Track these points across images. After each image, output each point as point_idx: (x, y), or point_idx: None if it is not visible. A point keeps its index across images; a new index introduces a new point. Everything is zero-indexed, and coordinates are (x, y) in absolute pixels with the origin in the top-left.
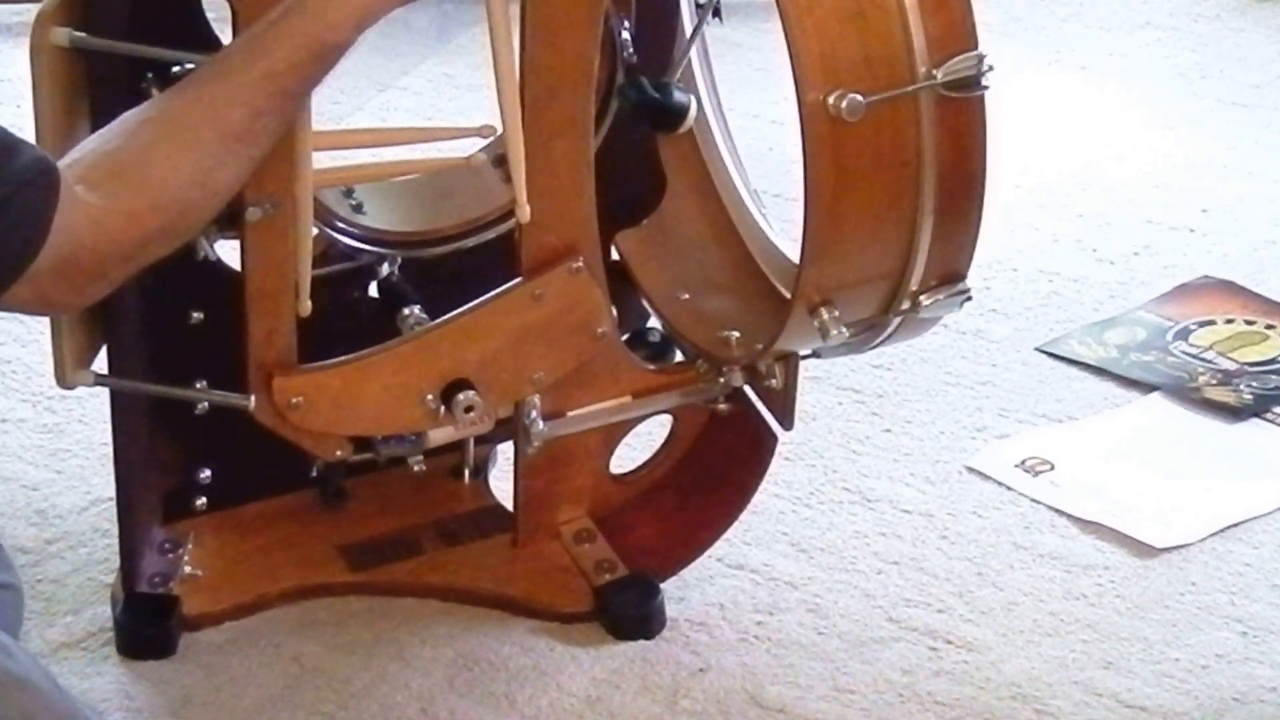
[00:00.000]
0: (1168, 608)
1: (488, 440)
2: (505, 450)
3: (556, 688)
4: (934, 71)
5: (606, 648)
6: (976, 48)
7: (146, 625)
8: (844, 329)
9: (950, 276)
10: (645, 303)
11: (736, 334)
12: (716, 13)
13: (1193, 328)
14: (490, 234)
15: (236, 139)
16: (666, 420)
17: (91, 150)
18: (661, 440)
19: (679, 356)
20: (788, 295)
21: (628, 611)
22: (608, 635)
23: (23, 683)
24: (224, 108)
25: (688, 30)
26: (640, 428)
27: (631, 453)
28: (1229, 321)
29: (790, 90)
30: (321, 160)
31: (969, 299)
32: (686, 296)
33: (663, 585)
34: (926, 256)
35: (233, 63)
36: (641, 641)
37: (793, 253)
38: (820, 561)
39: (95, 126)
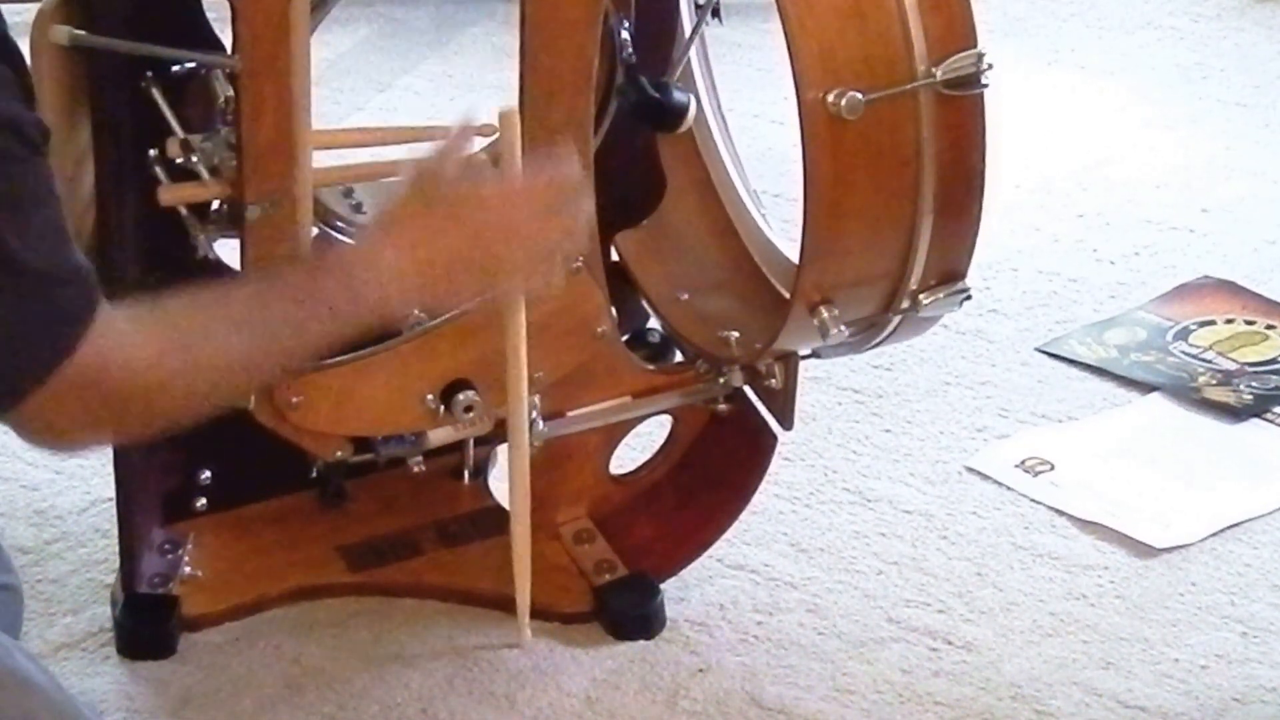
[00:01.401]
0: (1168, 608)
1: (487, 441)
2: (505, 451)
3: (556, 688)
4: (933, 70)
5: (606, 648)
6: (976, 46)
7: (146, 625)
8: (843, 328)
9: (950, 275)
10: (645, 303)
11: (736, 334)
12: (716, 13)
13: (1193, 328)
14: None
15: (269, 349)
16: (666, 421)
17: (144, 306)
18: (661, 441)
19: (679, 357)
20: (787, 295)
21: (628, 611)
22: (608, 635)
23: (24, 682)
24: (270, 323)
25: (687, 30)
26: (640, 428)
27: (632, 453)
28: (1229, 321)
29: (790, 90)
30: (321, 160)
31: (968, 298)
32: (686, 297)
33: (663, 585)
34: (926, 255)
35: (280, 293)
36: (641, 642)
37: (792, 253)
38: (820, 562)
39: (96, 125)
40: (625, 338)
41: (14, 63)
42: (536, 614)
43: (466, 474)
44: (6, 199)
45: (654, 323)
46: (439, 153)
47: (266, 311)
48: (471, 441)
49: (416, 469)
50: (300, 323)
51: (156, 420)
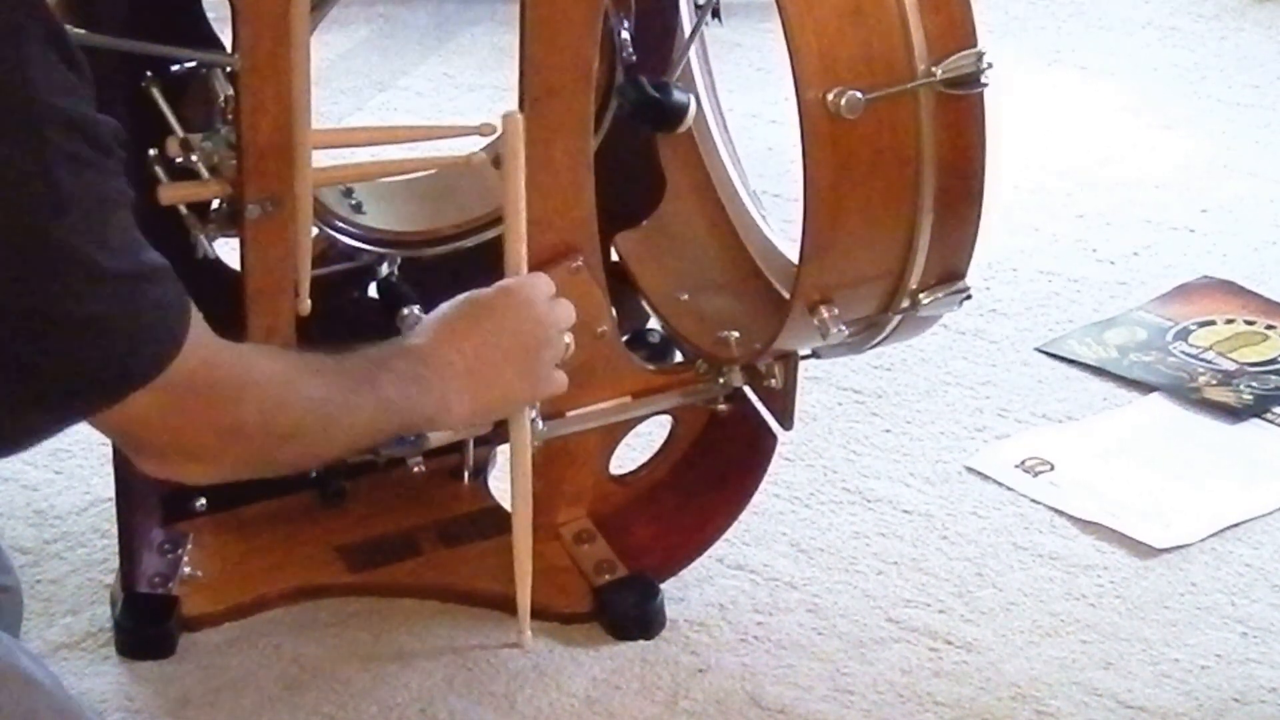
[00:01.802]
0: (1167, 608)
1: (487, 442)
2: (505, 451)
3: (556, 688)
4: (933, 69)
5: (606, 648)
6: (976, 45)
7: (146, 625)
8: (843, 327)
9: (950, 275)
10: (645, 303)
11: (736, 334)
12: (716, 14)
13: (1192, 328)
14: (490, 234)
15: (346, 396)
16: (666, 421)
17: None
18: (661, 441)
19: (679, 357)
20: (787, 296)
21: (628, 611)
22: (607, 636)
23: (27, 681)
24: (347, 374)
25: (687, 31)
26: (640, 428)
27: (632, 453)
28: (1229, 322)
29: (790, 90)
30: (321, 159)
31: (968, 298)
32: (686, 297)
33: (662, 586)
34: (926, 254)
35: (355, 356)
36: (641, 642)
37: (792, 253)
38: (820, 562)
39: None
40: (625, 338)
41: (78, 67)
42: (536, 614)
43: (466, 474)
44: (81, 204)
45: (654, 324)
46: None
47: (343, 364)
48: (471, 442)
49: (416, 469)
50: (375, 380)
51: (249, 438)
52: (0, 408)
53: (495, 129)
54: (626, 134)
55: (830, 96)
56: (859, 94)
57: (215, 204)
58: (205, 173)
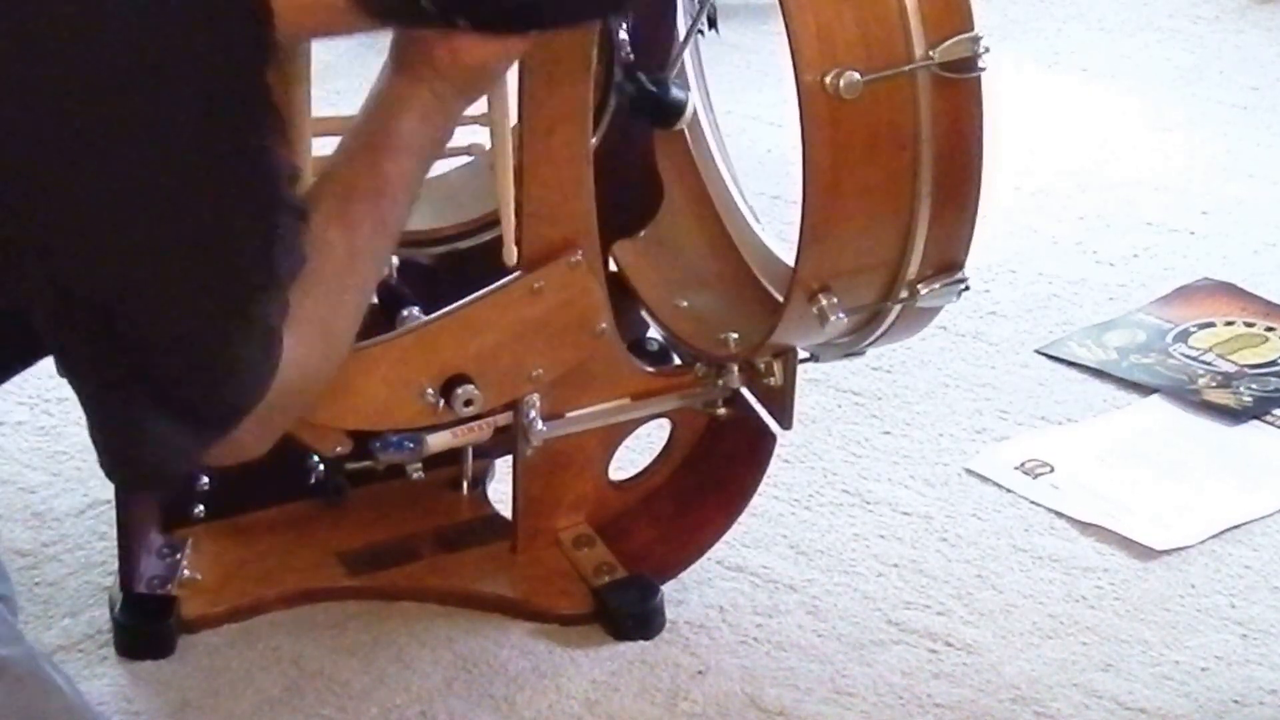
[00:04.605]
0: (1167, 610)
1: (486, 455)
2: (504, 463)
3: (556, 690)
4: (930, 52)
5: (606, 650)
6: (972, 29)
7: (145, 623)
8: (841, 315)
9: (948, 264)
10: (644, 311)
11: (735, 335)
12: (712, 23)
13: (1192, 330)
14: (489, 234)
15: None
16: (665, 427)
17: None
18: (660, 447)
19: (677, 363)
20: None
21: (627, 610)
22: (607, 637)
23: (46, 686)
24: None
25: (683, 33)
26: (640, 433)
27: (633, 455)
28: (1229, 324)
29: (789, 93)
30: (321, 150)
31: (967, 288)
32: (685, 304)
33: (662, 588)
34: (924, 241)
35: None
36: (641, 643)
37: (788, 257)
38: (820, 564)
39: None
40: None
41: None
42: (535, 616)
43: (465, 485)
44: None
45: (653, 333)
46: None
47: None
48: (470, 452)
49: (415, 475)
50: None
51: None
52: (163, 441)
53: (484, 149)
54: (624, 142)
55: (828, 78)
56: (857, 74)
57: None
58: None
